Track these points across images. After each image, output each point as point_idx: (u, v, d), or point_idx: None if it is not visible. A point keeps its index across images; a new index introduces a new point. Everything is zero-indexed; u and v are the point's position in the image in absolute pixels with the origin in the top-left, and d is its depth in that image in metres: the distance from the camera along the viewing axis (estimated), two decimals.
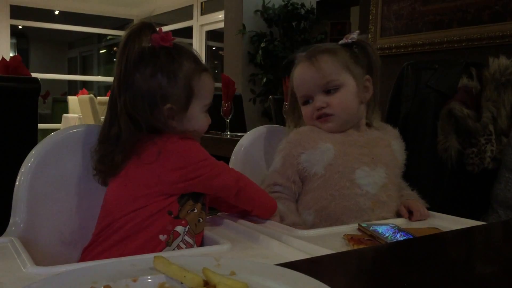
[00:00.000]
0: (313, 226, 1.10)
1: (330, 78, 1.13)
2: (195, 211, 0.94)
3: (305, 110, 1.18)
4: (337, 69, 1.14)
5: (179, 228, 0.92)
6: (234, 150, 1.26)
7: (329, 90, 1.13)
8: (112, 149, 0.93)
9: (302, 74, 1.18)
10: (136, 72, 0.94)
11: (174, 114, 0.96)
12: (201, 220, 0.95)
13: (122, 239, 0.90)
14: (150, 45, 0.96)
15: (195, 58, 1.00)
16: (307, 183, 1.13)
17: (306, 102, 1.18)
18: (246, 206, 1.03)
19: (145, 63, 0.94)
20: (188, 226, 0.93)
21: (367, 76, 1.17)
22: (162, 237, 0.90)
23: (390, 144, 1.18)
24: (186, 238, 0.92)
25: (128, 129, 0.92)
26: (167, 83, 0.94)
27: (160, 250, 0.89)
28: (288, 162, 1.14)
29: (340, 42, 1.18)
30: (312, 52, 1.17)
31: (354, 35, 1.17)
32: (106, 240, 0.91)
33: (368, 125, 1.21)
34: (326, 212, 1.09)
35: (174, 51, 0.97)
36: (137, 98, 0.93)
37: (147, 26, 0.97)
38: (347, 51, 1.17)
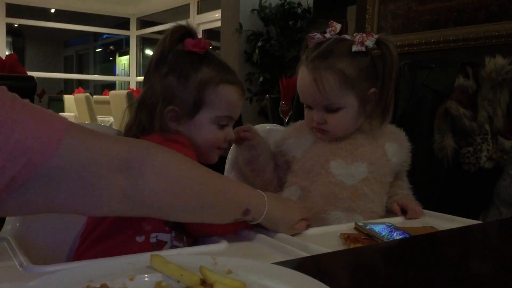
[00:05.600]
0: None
1: (331, 100, 1.09)
2: None
3: (306, 113, 1.17)
4: (341, 91, 1.08)
5: (163, 237, 0.89)
6: (231, 149, 1.26)
7: (330, 109, 1.10)
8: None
9: (304, 85, 1.12)
10: (156, 69, 0.96)
11: (178, 117, 0.95)
12: None
13: (99, 239, 0.88)
14: (181, 48, 0.96)
15: (220, 67, 0.97)
16: (291, 164, 1.19)
17: (307, 106, 1.16)
18: None
19: (166, 62, 0.95)
20: (174, 232, 0.90)
21: (373, 90, 1.12)
22: (140, 239, 0.87)
23: (384, 145, 1.17)
24: (175, 243, 0.90)
25: (134, 122, 0.95)
26: (176, 84, 0.94)
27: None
28: (276, 146, 1.21)
29: (354, 49, 1.08)
30: (317, 64, 1.08)
31: (370, 42, 1.08)
32: (84, 241, 0.91)
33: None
34: (309, 194, 1.12)
35: (198, 57, 0.96)
36: (147, 93, 0.95)
37: (184, 29, 0.98)
38: (357, 63, 1.08)
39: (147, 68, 0.98)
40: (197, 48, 0.95)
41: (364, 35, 1.10)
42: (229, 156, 1.25)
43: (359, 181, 1.11)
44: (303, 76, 1.12)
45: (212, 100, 0.95)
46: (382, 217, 1.13)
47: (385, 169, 1.16)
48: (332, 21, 1.14)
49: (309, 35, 1.14)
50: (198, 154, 0.96)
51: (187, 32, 0.98)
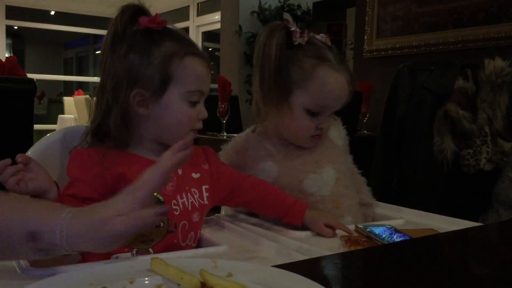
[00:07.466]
0: None
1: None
2: None
3: (307, 123, 1.05)
4: None
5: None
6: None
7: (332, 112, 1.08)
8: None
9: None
10: (112, 53, 0.87)
11: (145, 100, 0.86)
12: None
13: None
14: (136, 28, 0.88)
15: (183, 40, 0.89)
16: None
17: (312, 114, 1.05)
18: None
19: (123, 42, 0.87)
20: (135, 249, 0.83)
21: None
22: None
23: (329, 136, 1.15)
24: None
25: (99, 115, 0.87)
26: (138, 62, 0.85)
27: None
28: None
29: None
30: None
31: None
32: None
33: None
34: None
35: (157, 32, 0.88)
36: (108, 79, 0.86)
37: (135, 7, 0.90)
38: None
39: (101, 53, 0.88)
40: (154, 24, 0.87)
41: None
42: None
43: (333, 185, 1.08)
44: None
45: (179, 75, 0.86)
46: (363, 200, 1.12)
47: (342, 157, 1.14)
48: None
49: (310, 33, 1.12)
50: (170, 139, 0.88)
51: (139, 10, 0.90)
